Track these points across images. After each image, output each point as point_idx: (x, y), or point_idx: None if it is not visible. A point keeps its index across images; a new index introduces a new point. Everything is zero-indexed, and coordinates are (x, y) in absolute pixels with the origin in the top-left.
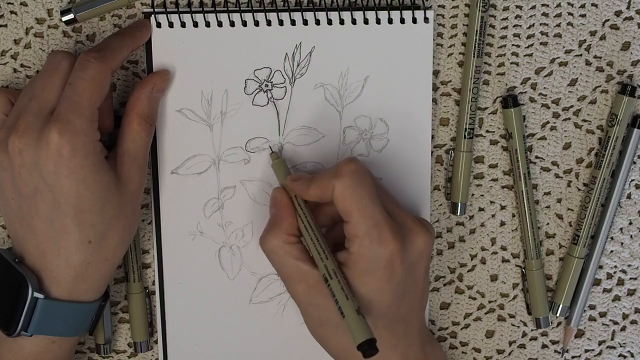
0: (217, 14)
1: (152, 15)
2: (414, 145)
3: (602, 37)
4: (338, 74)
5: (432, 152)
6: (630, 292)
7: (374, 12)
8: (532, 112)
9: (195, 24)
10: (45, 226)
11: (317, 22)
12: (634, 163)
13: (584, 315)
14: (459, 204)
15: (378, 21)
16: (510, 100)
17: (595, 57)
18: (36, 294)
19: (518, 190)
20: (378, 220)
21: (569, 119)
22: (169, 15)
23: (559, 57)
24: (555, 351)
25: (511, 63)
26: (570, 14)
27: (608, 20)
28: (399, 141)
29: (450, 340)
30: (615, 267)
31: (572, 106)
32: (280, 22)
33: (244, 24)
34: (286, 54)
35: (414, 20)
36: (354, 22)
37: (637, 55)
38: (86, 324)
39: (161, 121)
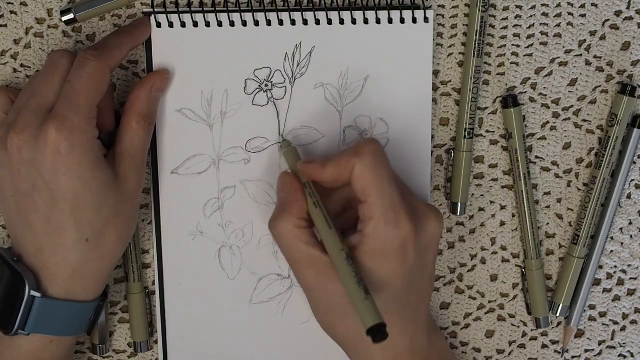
0: (217, 14)
1: (152, 15)
2: (414, 145)
3: (602, 37)
4: (338, 74)
5: (432, 152)
6: (630, 292)
7: (374, 12)
8: (532, 112)
9: (195, 24)
10: (42, 223)
11: (317, 22)
12: (634, 163)
13: (584, 315)
14: (459, 204)
15: (378, 21)
16: (510, 100)
17: (595, 57)
18: (33, 292)
19: (518, 190)
20: (395, 202)
21: (569, 119)
22: (169, 15)
23: (559, 57)
24: (555, 351)
25: (511, 63)
26: (570, 14)
27: (608, 20)
28: (399, 141)
29: (450, 340)
30: (615, 267)
31: (572, 106)
32: (280, 22)
33: (244, 24)
34: (286, 53)
35: (414, 20)
36: (354, 22)
37: (637, 55)
38: (84, 324)
39: (161, 121)
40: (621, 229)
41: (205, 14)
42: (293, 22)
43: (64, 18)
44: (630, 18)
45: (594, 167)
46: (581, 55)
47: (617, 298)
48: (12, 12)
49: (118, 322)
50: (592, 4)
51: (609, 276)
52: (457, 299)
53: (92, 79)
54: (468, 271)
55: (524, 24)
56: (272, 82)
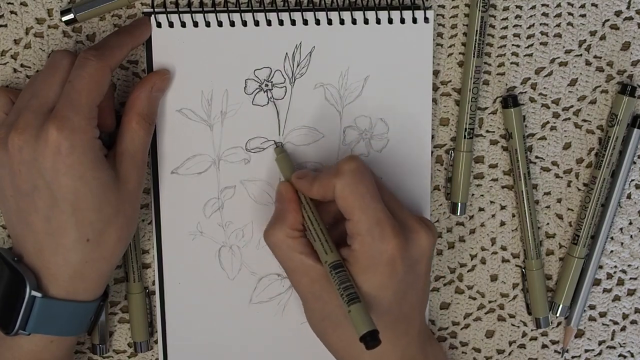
0: (217, 14)
1: (152, 15)
2: (414, 145)
3: (602, 37)
4: (338, 74)
5: (432, 152)
6: (630, 292)
7: (374, 12)
8: (532, 112)
9: (195, 24)
10: (43, 224)
11: (317, 22)
12: (634, 163)
13: (584, 315)
14: (459, 204)
15: (378, 21)
16: (510, 100)
17: (595, 57)
18: (34, 292)
19: (518, 190)
20: (379, 217)
21: (569, 119)
22: (169, 15)
23: (559, 57)
24: (555, 351)
25: (511, 63)
26: (570, 14)
27: (608, 20)
28: (399, 141)
29: (450, 340)
30: (615, 267)
31: (572, 106)
32: (280, 22)
33: (244, 24)
34: (286, 53)
35: (414, 20)
36: (354, 22)
37: (637, 55)
38: (85, 324)
39: (161, 121)
40: (621, 229)
41: (205, 14)
42: (293, 22)
43: (64, 18)
44: (630, 18)
45: (594, 167)
46: (581, 55)
47: (617, 298)
48: (12, 12)
49: (118, 322)
50: (592, 4)
51: (609, 276)
52: (457, 299)
53: (92, 79)
54: (468, 271)
55: (524, 24)
56: (272, 82)
